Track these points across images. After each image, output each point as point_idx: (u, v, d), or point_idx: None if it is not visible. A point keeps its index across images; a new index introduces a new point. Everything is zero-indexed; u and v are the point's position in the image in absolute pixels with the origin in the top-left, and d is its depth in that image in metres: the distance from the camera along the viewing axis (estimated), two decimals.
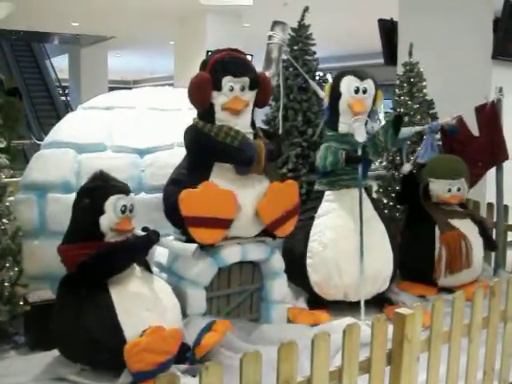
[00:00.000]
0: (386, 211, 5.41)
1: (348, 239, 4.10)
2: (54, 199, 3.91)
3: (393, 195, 5.42)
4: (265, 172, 3.70)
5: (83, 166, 3.97)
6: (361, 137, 3.96)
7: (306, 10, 5.42)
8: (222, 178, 3.55)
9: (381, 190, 5.59)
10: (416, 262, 4.53)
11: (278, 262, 3.84)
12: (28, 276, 3.80)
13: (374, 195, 5.64)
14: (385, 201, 5.48)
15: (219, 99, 3.55)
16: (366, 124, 4.20)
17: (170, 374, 1.84)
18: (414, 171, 4.87)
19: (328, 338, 2.19)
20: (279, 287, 3.86)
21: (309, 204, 4.47)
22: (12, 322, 3.62)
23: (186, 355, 3.21)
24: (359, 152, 4.05)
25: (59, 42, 16.83)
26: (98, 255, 3.04)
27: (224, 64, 3.54)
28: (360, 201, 4.06)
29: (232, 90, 3.54)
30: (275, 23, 4.78)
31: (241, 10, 10.69)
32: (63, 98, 18.75)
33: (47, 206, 3.93)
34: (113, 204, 3.14)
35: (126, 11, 11.18)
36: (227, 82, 3.52)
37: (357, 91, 4.15)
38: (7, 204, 3.67)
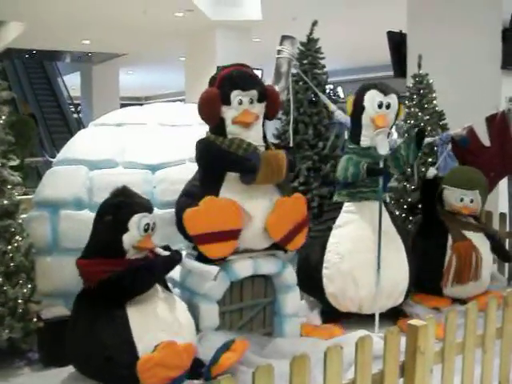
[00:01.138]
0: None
1: (365, 251, 4.08)
2: (66, 216, 3.94)
3: (405, 207, 5.40)
4: (278, 185, 3.72)
5: (95, 183, 3.99)
6: (383, 149, 3.95)
7: (314, 23, 5.46)
8: (232, 189, 3.57)
9: (392, 202, 5.57)
10: (426, 269, 4.48)
11: (290, 275, 3.83)
12: (41, 293, 3.81)
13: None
14: (397, 212, 5.45)
15: (229, 113, 3.58)
16: (388, 137, 4.19)
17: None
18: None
19: (341, 351, 2.18)
20: (292, 301, 3.85)
21: (326, 215, 4.48)
22: (26, 338, 3.63)
23: (201, 371, 3.20)
24: (381, 165, 4.02)
25: (71, 60, 17.01)
26: (121, 274, 3.05)
27: (232, 79, 3.59)
28: (380, 213, 4.03)
29: (241, 103, 3.58)
30: (284, 37, 4.81)
31: (250, 24, 10.76)
32: (75, 115, 18.94)
33: (60, 223, 3.95)
34: (137, 222, 3.15)
35: (136, 28, 11.29)
36: (236, 95, 3.56)
37: (380, 106, 4.13)
38: (20, 221, 3.69)
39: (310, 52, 5.44)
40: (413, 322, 2.43)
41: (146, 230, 3.19)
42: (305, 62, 5.42)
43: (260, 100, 3.65)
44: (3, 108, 3.62)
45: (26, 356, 3.68)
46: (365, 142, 4.22)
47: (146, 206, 3.27)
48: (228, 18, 10.39)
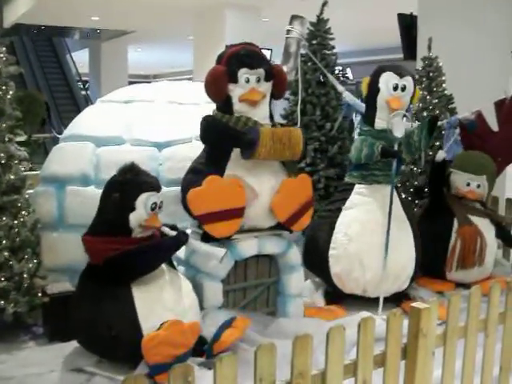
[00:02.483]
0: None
1: (374, 234, 4.07)
2: (72, 192, 3.95)
3: (411, 190, 5.38)
4: (283, 163, 3.71)
5: (102, 159, 4.00)
6: (399, 132, 3.92)
7: (324, 4, 5.42)
8: (238, 166, 3.56)
9: (399, 185, 5.55)
10: (430, 253, 4.47)
11: (294, 255, 3.84)
12: (46, 268, 3.85)
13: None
14: (403, 196, 5.44)
15: (236, 91, 3.57)
16: (404, 118, 4.16)
17: (184, 365, 1.85)
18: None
19: (343, 332, 2.19)
20: (296, 281, 3.86)
21: (337, 195, 4.46)
22: (31, 313, 3.66)
23: (203, 348, 3.23)
24: (396, 147, 3.99)
25: (80, 37, 16.93)
26: (128, 254, 3.05)
27: (239, 57, 3.57)
28: (391, 198, 4.00)
29: (248, 81, 3.57)
30: (293, 17, 4.77)
31: (260, 4, 10.67)
32: (83, 92, 18.91)
33: (66, 199, 3.97)
34: (144, 201, 3.13)
35: (145, 5, 11.22)
36: (243, 74, 3.55)
37: (395, 88, 4.08)
38: (26, 196, 3.71)
39: (319, 32, 5.40)
40: (416, 304, 2.43)
41: (153, 209, 3.18)
42: (314, 42, 5.39)
43: (267, 79, 3.64)
44: (10, 83, 3.61)
45: (31, 330, 3.73)
46: (379, 124, 4.17)
47: (153, 185, 3.25)
48: None
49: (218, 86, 3.56)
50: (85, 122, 4.27)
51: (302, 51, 4.96)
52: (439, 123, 4.92)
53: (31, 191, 3.89)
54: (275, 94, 3.78)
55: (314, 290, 4.34)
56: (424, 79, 5.38)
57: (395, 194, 4.14)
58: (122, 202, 3.14)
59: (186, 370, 1.85)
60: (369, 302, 4.11)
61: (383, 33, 11.32)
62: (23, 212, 3.63)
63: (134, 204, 3.12)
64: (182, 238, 3.26)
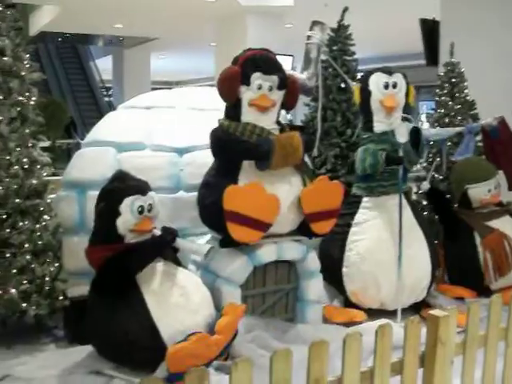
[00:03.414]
0: (425, 213, 5.34)
1: (386, 250, 4.02)
2: (93, 197, 3.92)
3: None
4: (297, 168, 3.71)
5: (123, 165, 4.01)
6: (402, 137, 3.89)
7: (345, 10, 5.42)
8: (251, 177, 3.55)
9: (420, 192, 5.51)
10: (465, 272, 4.47)
11: (313, 261, 3.83)
12: (67, 271, 3.89)
13: (414, 197, 5.58)
14: (424, 202, 5.40)
15: (247, 94, 3.59)
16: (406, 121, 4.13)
17: (200, 369, 1.86)
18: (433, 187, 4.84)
19: (360, 338, 2.17)
20: (315, 287, 3.85)
21: (345, 208, 4.38)
22: (52, 316, 3.71)
23: (222, 355, 3.23)
24: (400, 153, 3.95)
25: (103, 44, 17.13)
26: (110, 259, 3.09)
27: (255, 60, 3.60)
28: (400, 209, 3.97)
29: (260, 88, 3.57)
30: (314, 23, 4.78)
31: (282, 10, 10.69)
32: (107, 98, 19.10)
33: (87, 204, 3.99)
34: (129, 206, 3.17)
35: (168, 13, 11.30)
36: (256, 78, 3.56)
37: (386, 86, 4.09)
38: (48, 201, 3.76)
39: (340, 38, 5.40)
40: (434, 312, 2.41)
41: (140, 213, 3.20)
42: (335, 48, 5.39)
43: (280, 87, 3.65)
44: (33, 89, 3.67)
45: (52, 333, 3.78)
46: (378, 127, 4.15)
47: (139, 189, 3.26)
48: (258, 3, 10.33)
49: (230, 85, 3.58)
50: (106, 127, 4.31)
51: (323, 57, 4.97)
52: (459, 129, 4.88)
53: (53, 196, 3.93)
54: (287, 105, 3.80)
55: (331, 298, 4.30)
56: (446, 85, 5.34)
57: (405, 202, 4.10)
58: (108, 209, 3.20)
59: (202, 374, 1.85)
60: (388, 311, 4.08)
61: (405, 39, 11.25)
62: (45, 216, 3.69)
63: (118, 209, 3.16)
64: (165, 238, 3.27)
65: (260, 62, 3.60)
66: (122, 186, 3.24)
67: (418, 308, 4.11)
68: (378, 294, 4.04)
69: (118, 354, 3.15)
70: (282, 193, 3.59)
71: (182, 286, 3.24)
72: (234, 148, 3.55)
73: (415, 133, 3.94)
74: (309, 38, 4.75)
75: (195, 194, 3.89)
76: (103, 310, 3.15)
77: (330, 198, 3.72)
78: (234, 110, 3.64)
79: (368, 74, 4.22)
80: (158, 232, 3.30)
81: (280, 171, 3.61)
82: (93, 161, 4.08)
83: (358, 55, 5.47)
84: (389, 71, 4.13)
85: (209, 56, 13.42)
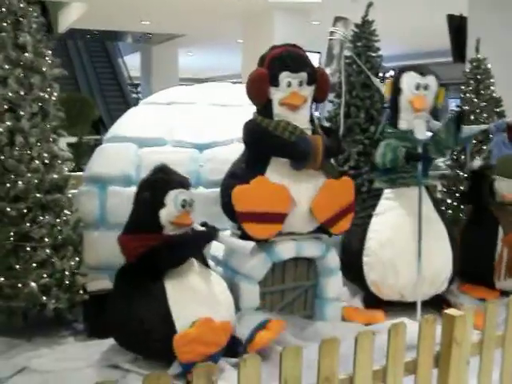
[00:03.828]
0: (449, 211, 5.27)
1: (406, 239, 4.01)
2: (114, 192, 4.02)
3: (457, 195, 5.26)
4: (322, 168, 3.68)
5: (143, 160, 4.05)
6: (421, 134, 3.86)
7: (369, 5, 5.36)
8: (278, 172, 3.55)
9: (445, 190, 5.44)
10: (476, 263, 4.40)
11: (333, 259, 3.80)
12: (88, 266, 3.94)
13: (438, 195, 5.51)
14: (449, 201, 5.32)
15: (277, 95, 3.55)
16: (428, 122, 4.09)
17: (208, 364, 1.85)
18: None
19: (372, 336, 2.15)
20: (334, 285, 3.83)
21: (368, 202, 4.41)
22: (72, 309, 3.75)
23: (238, 349, 3.23)
24: (419, 150, 3.93)
25: (132, 41, 17.22)
26: (157, 248, 3.10)
27: (281, 59, 3.55)
28: (419, 200, 3.95)
29: (290, 85, 3.54)
30: (337, 19, 4.75)
31: (308, 7, 10.62)
32: (135, 95, 19.23)
33: (107, 199, 4.04)
34: (173, 198, 3.19)
35: (195, 9, 11.31)
36: (285, 77, 3.52)
37: (417, 87, 4.05)
38: (69, 196, 3.80)
39: (364, 34, 5.34)
40: (450, 311, 2.37)
41: (183, 206, 3.22)
42: (359, 44, 5.33)
43: (310, 82, 3.60)
44: (54, 85, 3.70)
45: (72, 326, 3.81)
46: (403, 125, 4.13)
47: (183, 183, 3.30)
48: None
49: (258, 88, 3.55)
50: (128, 123, 4.34)
51: (347, 53, 4.93)
52: (484, 127, 4.80)
53: (75, 191, 3.97)
54: (318, 98, 3.74)
55: (351, 296, 4.28)
56: (471, 81, 5.25)
57: (426, 195, 4.10)
58: (152, 199, 3.21)
59: (210, 369, 1.85)
60: (409, 307, 4.02)
61: (434, 36, 11.07)
62: (65, 211, 3.72)
63: (163, 201, 3.18)
64: (211, 232, 3.31)
65: (287, 60, 3.56)
66: (167, 178, 3.26)
67: (438, 305, 4.05)
68: (397, 283, 4.02)
69: (134, 343, 3.18)
70: (305, 193, 3.59)
71: (206, 284, 3.25)
72: (268, 142, 3.53)
73: (459, 117, 3.93)
74: (332, 33, 4.73)
75: (215, 190, 3.90)
76: (125, 298, 3.17)
77: (341, 197, 3.70)
78: (265, 110, 3.61)
79: (402, 70, 4.16)
80: (198, 227, 3.31)
81: (305, 172, 3.59)
82: (114, 156, 4.11)
83: (386, 52, 5.41)
84: (422, 72, 4.07)
85: (237, 53, 13.41)
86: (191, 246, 3.26)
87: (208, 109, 4.38)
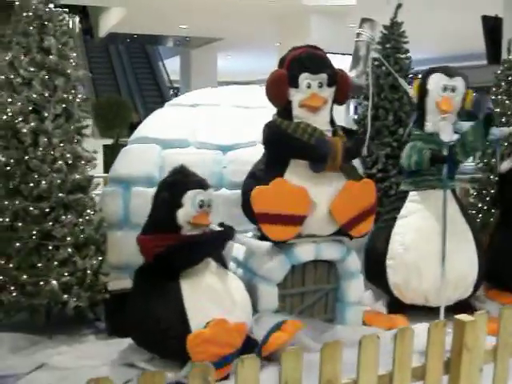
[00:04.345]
0: (480, 215, 5.15)
1: (430, 242, 3.94)
2: (137, 193, 4.05)
3: (488, 199, 5.13)
4: (342, 170, 3.64)
5: (167, 161, 4.06)
6: (447, 136, 3.77)
7: (399, 6, 5.32)
8: (297, 174, 3.52)
9: (475, 194, 5.31)
10: (504, 267, 4.29)
11: (353, 262, 3.76)
12: (111, 265, 3.97)
13: (471, 199, 5.39)
14: (479, 204, 5.20)
15: (297, 96, 3.53)
16: (454, 123, 4.01)
17: (203, 364, 1.85)
18: None
19: (377, 340, 2.11)
20: (355, 288, 3.78)
21: (393, 204, 4.36)
22: (95, 308, 3.80)
23: (254, 351, 3.21)
24: (445, 152, 3.85)
25: (173, 44, 17.40)
26: (173, 247, 3.13)
27: (301, 61, 3.53)
28: (444, 202, 3.85)
29: (309, 87, 3.52)
30: (363, 20, 4.71)
31: (344, 9, 10.55)
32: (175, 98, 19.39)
33: (131, 199, 4.08)
34: (191, 198, 3.20)
35: (232, 13, 11.39)
36: (304, 79, 3.51)
37: (445, 89, 3.99)
38: (92, 196, 3.86)
39: (393, 36, 5.28)
40: (460, 316, 2.31)
41: (201, 206, 3.23)
42: (388, 46, 5.27)
43: (330, 84, 3.57)
44: (78, 87, 3.77)
45: (94, 325, 3.87)
46: (430, 127, 4.07)
47: (201, 184, 3.32)
48: (321, 2, 10.24)
49: (278, 90, 3.54)
50: (152, 125, 4.37)
51: (375, 55, 4.87)
52: None
53: (99, 191, 4.03)
54: (338, 100, 3.71)
55: (375, 300, 4.23)
56: (503, 83, 5.12)
57: (452, 198, 4.03)
58: (170, 199, 3.24)
59: (205, 369, 1.85)
60: (432, 313, 3.93)
61: (468, 38, 10.86)
62: (88, 210, 3.77)
63: (181, 201, 3.20)
64: (227, 232, 3.31)
65: (307, 61, 3.54)
66: (185, 178, 3.29)
67: (463, 311, 3.93)
68: (420, 287, 3.96)
69: (151, 342, 3.21)
70: (325, 195, 3.55)
71: (222, 284, 3.25)
72: (287, 144, 3.52)
73: (487, 119, 3.84)
74: (358, 35, 4.67)
75: (237, 191, 3.90)
76: (142, 298, 3.21)
77: (361, 199, 3.64)
78: (285, 111, 3.59)
79: (429, 71, 4.11)
80: (216, 227, 3.33)
81: (327, 174, 3.55)
82: (138, 157, 4.15)
83: (421, 55, 5.34)
84: (450, 74, 4.02)
85: (276, 56, 13.42)
86: (207, 246, 3.26)
87: (232, 111, 4.38)
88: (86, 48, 17.00)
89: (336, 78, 3.59)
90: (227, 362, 3.04)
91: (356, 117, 5.44)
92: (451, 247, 3.85)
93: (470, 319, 2.28)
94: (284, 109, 3.60)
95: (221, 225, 3.39)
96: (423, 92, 4.10)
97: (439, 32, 12.55)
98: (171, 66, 19.59)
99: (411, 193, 4.14)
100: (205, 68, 17.24)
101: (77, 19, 17.51)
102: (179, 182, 3.28)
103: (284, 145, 3.54)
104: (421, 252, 3.95)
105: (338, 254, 3.70)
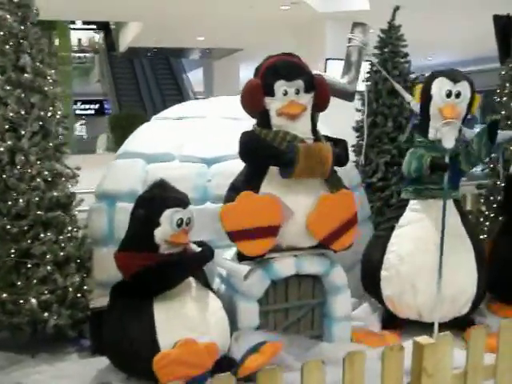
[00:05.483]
0: (487, 223, 4.94)
1: (427, 254, 3.75)
2: (122, 208, 4.00)
3: (494, 206, 4.92)
4: (328, 179, 3.52)
5: (150, 176, 4.00)
6: (448, 143, 3.59)
7: (396, 9, 5.21)
8: (274, 183, 3.42)
9: (482, 201, 5.11)
10: (506, 278, 4.08)
11: (339, 276, 3.62)
12: (97, 282, 3.93)
13: (483, 207, 5.19)
14: (486, 212, 4.99)
15: (274, 104, 3.43)
16: (460, 130, 3.83)
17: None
18: None
19: (321, 365, 1.99)
20: (342, 303, 3.64)
21: (392, 212, 4.18)
22: (80, 326, 3.75)
23: (231, 370, 3.11)
24: (446, 160, 3.66)
25: (193, 56, 17.51)
26: (151, 269, 3.04)
27: (275, 69, 3.43)
28: (443, 213, 3.66)
29: (286, 94, 3.41)
30: (355, 24, 4.62)
31: (358, 15, 10.39)
32: None
33: (116, 215, 4.03)
34: (169, 217, 3.12)
35: (246, 23, 11.37)
36: (280, 86, 3.40)
37: (449, 95, 3.77)
38: (75, 213, 3.82)
39: (391, 40, 5.15)
40: (419, 338, 2.16)
41: (179, 225, 3.14)
42: (385, 50, 5.14)
43: (307, 90, 3.46)
44: (57, 103, 3.74)
45: (79, 343, 3.81)
46: (433, 134, 3.85)
47: (180, 201, 3.21)
48: (335, 9, 10.11)
49: (253, 100, 3.45)
50: (137, 139, 4.33)
51: (373, 59, 4.75)
52: None
53: (82, 208, 3.99)
54: (318, 106, 3.59)
55: (371, 313, 4.08)
56: (508, 84, 4.91)
57: (453, 208, 3.83)
58: (147, 217, 3.15)
59: None
60: (429, 328, 3.74)
61: (489, 41, 10.55)
62: (70, 228, 3.73)
63: (158, 220, 3.11)
64: (206, 254, 3.22)
65: (281, 69, 3.43)
66: (163, 195, 3.19)
67: (462, 326, 3.77)
68: (414, 300, 3.77)
69: (124, 363, 3.15)
70: (303, 205, 3.44)
71: (197, 305, 3.16)
72: (258, 152, 3.43)
73: (492, 126, 3.62)
74: (350, 40, 4.56)
75: (222, 205, 3.81)
76: (116, 317, 3.15)
77: (340, 211, 3.50)
78: (263, 121, 3.50)
79: (433, 76, 3.89)
80: (195, 246, 3.25)
81: (305, 182, 3.44)
82: (122, 172, 4.11)
83: (443, 60, 5.19)
84: (455, 78, 3.79)
85: None
86: (186, 268, 3.17)
87: (219, 122, 4.30)
88: (111, 62, 17.21)
89: (314, 84, 3.48)
90: (200, 382, 2.96)
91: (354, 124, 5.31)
92: (449, 260, 3.66)
93: (428, 342, 2.12)
94: (262, 119, 3.50)
95: (200, 244, 3.29)
96: (426, 97, 3.87)
97: (464, 34, 12.29)
98: (195, 78, 19.69)
99: (411, 201, 3.95)
100: (227, 78, 17.25)
101: (101, 35, 17.83)
102: (157, 199, 3.19)
103: (254, 153, 3.44)
104: (416, 264, 3.77)
105: (322, 268, 3.56)
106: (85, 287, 3.77)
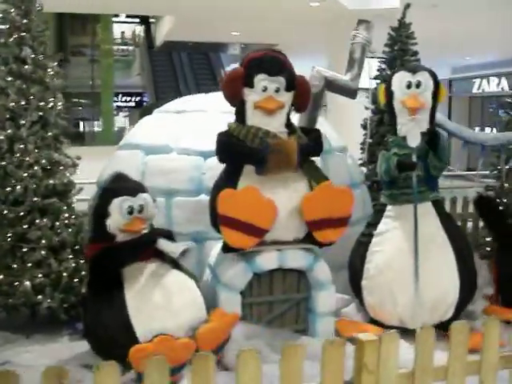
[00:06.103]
0: None
1: (404, 263, 3.72)
2: None
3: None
4: (303, 170, 3.56)
5: (148, 167, 4.14)
6: (413, 140, 3.59)
7: (406, 7, 5.16)
8: (251, 180, 3.47)
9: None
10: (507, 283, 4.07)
11: (322, 271, 3.64)
12: None
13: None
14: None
15: (251, 96, 3.50)
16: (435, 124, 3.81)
17: (58, 367, 1.86)
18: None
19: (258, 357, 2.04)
20: (325, 299, 3.66)
21: (372, 217, 4.15)
22: (69, 310, 3.87)
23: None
24: (414, 158, 3.65)
25: (232, 52, 17.58)
26: (96, 257, 3.20)
27: (259, 61, 3.50)
28: (415, 216, 3.66)
29: (265, 90, 3.46)
30: (359, 22, 4.63)
31: (389, 13, 10.29)
32: None
33: None
34: (118, 206, 3.23)
35: (281, 19, 11.35)
36: (261, 80, 3.46)
37: (409, 86, 3.76)
38: (71, 200, 3.96)
39: (400, 38, 5.11)
40: (361, 335, 2.17)
41: (130, 213, 3.24)
42: (395, 48, 5.11)
43: (288, 89, 3.51)
44: (58, 95, 3.88)
45: (74, 326, 3.93)
46: (402, 130, 3.82)
47: (130, 190, 3.31)
48: (364, 6, 10.02)
49: (232, 88, 3.52)
50: (138, 131, 4.44)
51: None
52: None
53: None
54: (298, 107, 3.65)
55: (358, 312, 4.07)
56: None
57: (432, 210, 3.79)
58: (96, 209, 3.30)
59: (61, 372, 1.85)
60: (412, 331, 3.74)
61: None
62: (66, 215, 3.87)
63: (107, 210, 3.23)
64: (147, 237, 3.30)
65: (265, 63, 3.50)
66: (113, 186, 3.33)
67: (445, 328, 3.72)
68: (394, 310, 3.74)
69: (100, 349, 3.25)
70: (282, 198, 3.49)
71: (167, 287, 3.25)
72: (232, 151, 3.51)
73: (433, 136, 3.62)
74: (353, 37, 4.56)
75: None
76: (92, 305, 3.27)
77: (337, 204, 3.52)
78: (239, 113, 3.57)
79: (392, 73, 3.95)
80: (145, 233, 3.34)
81: (283, 176, 3.49)
82: (123, 163, 4.21)
83: (482, 59, 5.13)
84: (412, 69, 3.81)
85: (324, 62, 13.29)
86: (124, 252, 3.24)
87: (218, 117, 4.36)
88: (150, 56, 17.45)
89: (295, 83, 3.52)
90: (176, 373, 3.03)
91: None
92: (428, 267, 3.65)
93: (370, 339, 2.14)
94: (238, 111, 3.57)
95: (151, 229, 3.40)
96: (389, 95, 3.87)
97: (504, 35, 12.00)
98: None
99: (388, 207, 3.90)
100: None
101: (142, 29, 18.09)
102: (106, 191, 3.33)
103: (229, 151, 3.52)
104: (395, 274, 3.73)
105: (305, 263, 3.60)
106: (82, 272, 3.89)
